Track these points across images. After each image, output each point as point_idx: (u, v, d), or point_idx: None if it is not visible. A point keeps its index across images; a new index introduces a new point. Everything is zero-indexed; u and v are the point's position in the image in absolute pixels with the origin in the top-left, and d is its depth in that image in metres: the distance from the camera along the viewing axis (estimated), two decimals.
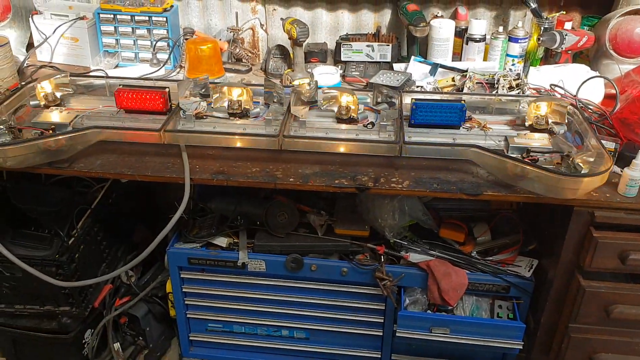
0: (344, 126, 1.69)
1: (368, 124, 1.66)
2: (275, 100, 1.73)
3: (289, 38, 2.05)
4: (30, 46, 2.33)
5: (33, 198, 1.98)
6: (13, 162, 1.54)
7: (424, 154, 1.57)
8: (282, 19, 2.15)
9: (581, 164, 1.43)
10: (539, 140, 1.58)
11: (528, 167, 1.42)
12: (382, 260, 1.83)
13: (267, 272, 1.89)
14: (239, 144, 1.61)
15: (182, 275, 1.95)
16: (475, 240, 1.90)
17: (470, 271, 1.82)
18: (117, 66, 2.23)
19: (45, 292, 1.86)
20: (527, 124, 1.67)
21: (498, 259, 1.86)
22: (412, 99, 1.65)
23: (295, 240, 1.89)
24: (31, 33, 2.28)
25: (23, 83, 1.88)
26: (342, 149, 1.58)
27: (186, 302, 2.02)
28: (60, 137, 1.55)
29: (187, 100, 1.70)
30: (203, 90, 1.77)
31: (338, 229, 1.89)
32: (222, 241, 1.93)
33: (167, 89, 1.69)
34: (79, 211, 1.99)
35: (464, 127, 1.66)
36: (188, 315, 2.05)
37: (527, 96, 1.81)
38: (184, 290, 1.98)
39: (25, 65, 2.16)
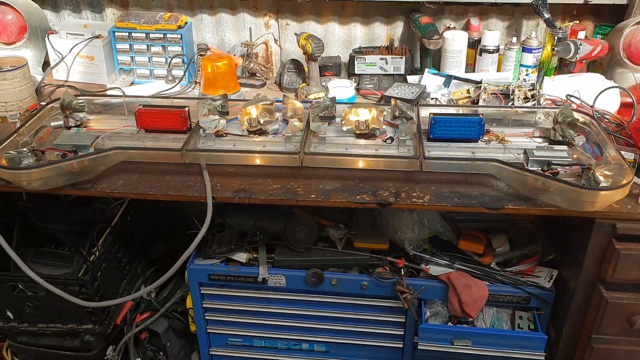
0: (362, 141, 1.70)
1: (387, 138, 1.67)
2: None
3: (304, 53, 2.06)
4: (46, 65, 2.35)
5: (54, 217, 2.01)
6: (37, 184, 1.56)
7: (444, 169, 1.57)
8: (296, 34, 2.17)
9: (602, 177, 1.44)
10: (558, 153, 1.58)
11: (550, 180, 1.43)
12: (402, 273, 1.84)
13: (287, 286, 1.90)
14: (260, 162, 1.62)
15: (202, 291, 1.96)
16: (494, 252, 1.90)
17: (491, 283, 1.82)
18: (132, 83, 2.25)
19: (68, 310, 1.88)
20: (551, 137, 1.67)
21: (517, 270, 1.86)
22: (430, 113, 1.66)
23: (314, 254, 1.90)
24: (47, 52, 2.31)
25: (43, 103, 1.90)
26: (362, 165, 1.58)
27: (206, 318, 2.02)
28: (83, 158, 1.56)
29: (206, 118, 1.72)
30: (221, 107, 1.79)
31: (357, 242, 1.89)
32: (241, 257, 1.94)
33: (186, 108, 1.71)
34: (99, 229, 2.00)
35: (482, 141, 1.67)
36: (208, 330, 2.06)
37: (544, 107, 1.81)
38: (204, 305, 1.99)
39: (42, 84, 2.18)
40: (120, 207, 2.12)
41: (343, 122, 1.72)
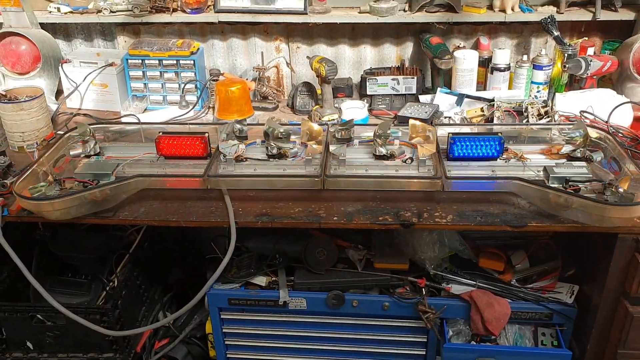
0: (382, 162, 1.71)
1: (407, 159, 1.68)
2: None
3: (317, 76, 2.09)
4: (58, 93, 2.37)
5: (71, 246, 2.00)
6: (59, 214, 1.56)
7: (466, 188, 1.58)
8: (308, 57, 2.19)
9: (624, 191, 1.45)
10: (577, 169, 1.59)
11: (574, 197, 1.44)
12: (424, 292, 1.83)
13: (307, 309, 1.89)
14: (282, 186, 1.62)
15: (222, 316, 1.95)
16: (514, 269, 1.90)
17: (512, 300, 1.82)
18: (145, 110, 2.27)
19: (89, 339, 1.87)
20: (568, 154, 1.68)
21: (538, 287, 1.86)
22: (449, 133, 1.67)
23: (335, 276, 1.89)
24: (60, 81, 2.33)
25: (61, 132, 1.91)
26: (385, 186, 1.59)
27: (226, 343, 2.01)
28: (105, 187, 1.57)
29: (226, 143, 1.73)
30: (240, 132, 1.80)
31: (377, 263, 1.89)
32: (261, 280, 1.94)
33: (206, 134, 1.72)
34: (117, 256, 2.00)
35: (501, 159, 1.68)
36: (228, 356, 2.04)
37: (561, 124, 1.82)
38: (224, 330, 1.98)
39: (57, 113, 2.19)
40: (137, 233, 2.13)
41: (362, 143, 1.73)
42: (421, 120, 1.92)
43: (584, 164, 1.63)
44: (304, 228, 1.94)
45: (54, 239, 1.98)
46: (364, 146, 1.78)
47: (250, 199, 1.65)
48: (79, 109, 2.27)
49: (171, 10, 2.26)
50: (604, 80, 2.19)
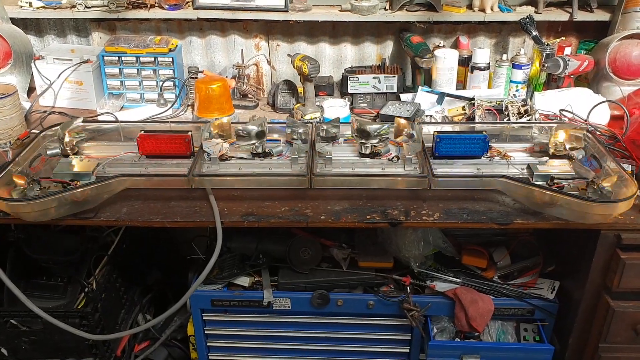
0: (367, 160, 1.71)
1: (393, 157, 1.68)
2: (297, 137, 1.73)
3: (299, 74, 2.07)
4: (31, 91, 2.29)
5: (47, 247, 1.94)
6: (38, 215, 1.51)
7: (452, 186, 1.59)
8: (289, 55, 2.18)
9: (609, 189, 1.48)
10: (560, 167, 1.62)
11: (560, 195, 1.46)
12: (408, 291, 1.84)
13: (292, 309, 1.88)
14: (268, 185, 1.60)
15: (204, 318, 1.92)
16: (495, 265, 1.92)
17: (495, 297, 1.84)
18: (122, 108, 2.21)
19: (67, 344, 1.81)
20: (550, 151, 1.70)
21: (520, 283, 1.89)
22: (434, 131, 1.68)
23: (319, 275, 1.88)
24: (32, 78, 2.25)
25: (35, 131, 1.85)
26: (372, 185, 1.59)
27: (208, 344, 1.98)
28: (86, 188, 1.52)
29: (209, 142, 1.70)
30: (222, 131, 1.77)
31: (362, 261, 1.89)
32: (244, 281, 1.91)
33: (189, 133, 1.68)
34: (94, 258, 1.95)
35: (485, 157, 1.70)
36: (210, 358, 2.01)
37: (542, 122, 1.85)
38: (206, 332, 1.95)
39: (30, 111, 2.12)
40: (113, 234, 2.07)
41: (347, 141, 1.72)
42: (404, 119, 1.93)
43: (566, 161, 1.66)
44: (288, 227, 1.97)
45: (28, 241, 1.92)
46: (349, 144, 1.77)
47: (235, 198, 1.63)
48: (53, 107, 2.20)
49: (149, 6, 2.21)
50: (580, 80, 2.23)
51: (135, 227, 2.11)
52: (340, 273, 1.88)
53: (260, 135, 1.67)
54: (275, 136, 1.79)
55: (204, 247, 2.05)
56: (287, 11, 2.20)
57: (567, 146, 1.71)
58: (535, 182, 1.57)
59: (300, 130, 1.75)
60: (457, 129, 1.85)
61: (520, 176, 1.62)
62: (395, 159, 1.68)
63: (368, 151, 1.70)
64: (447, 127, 1.84)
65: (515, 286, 1.87)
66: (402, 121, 1.74)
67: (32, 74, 2.23)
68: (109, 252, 1.95)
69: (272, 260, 1.93)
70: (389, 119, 2.00)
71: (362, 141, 1.69)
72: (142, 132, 1.70)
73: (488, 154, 1.70)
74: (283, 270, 1.91)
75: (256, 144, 1.69)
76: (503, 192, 1.58)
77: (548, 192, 1.48)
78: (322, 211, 1.57)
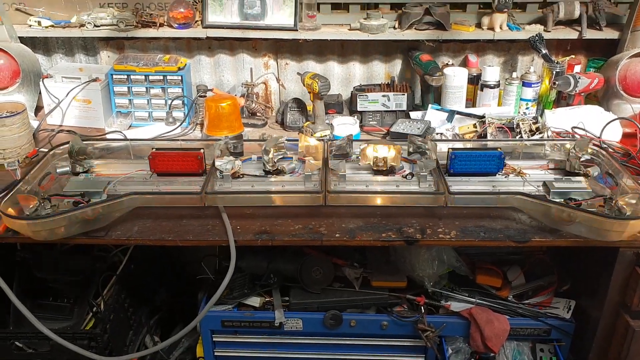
0: (380, 178, 1.69)
1: (407, 174, 1.67)
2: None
3: (309, 92, 2.06)
4: (38, 110, 2.28)
5: (54, 267, 1.92)
6: (48, 234, 1.48)
7: (468, 203, 1.57)
8: (299, 73, 2.17)
9: (625, 206, 1.46)
10: (577, 184, 1.60)
11: (577, 212, 1.44)
12: (423, 311, 1.81)
13: (304, 330, 1.84)
14: (282, 202, 1.58)
15: (214, 339, 1.88)
16: (510, 285, 1.89)
17: (511, 316, 1.81)
18: (130, 126, 2.20)
19: None
20: (566, 169, 1.69)
21: (534, 302, 1.86)
22: (449, 148, 1.66)
23: (332, 295, 1.85)
24: (39, 97, 2.24)
25: (44, 150, 1.83)
26: (387, 202, 1.57)
27: None
28: (97, 206, 1.50)
29: (221, 159, 1.68)
30: (234, 148, 1.76)
31: (375, 281, 1.86)
32: (254, 301, 1.88)
33: (202, 150, 1.67)
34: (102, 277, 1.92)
35: (500, 174, 1.68)
36: None
37: (556, 140, 1.84)
38: (216, 354, 1.91)
39: (38, 130, 2.10)
40: (121, 254, 2.05)
41: (360, 158, 1.71)
42: (419, 136, 1.92)
43: (582, 179, 1.64)
44: (299, 246, 1.94)
45: (36, 261, 1.89)
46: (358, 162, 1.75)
47: (247, 216, 1.61)
48: (60, 125, 2.19)
49: (158, 25, 2.21)
50: (589, 98, 2.23)
51: (143, 247, 2.11)
52: (353, 293, 1.85)
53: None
54: (288, 154, 1.76)
55: (213, 267, 2.03)
56: (296, 30, 2.20)
57: (583, 163, 1.69)
58: (554, 200, 1.54)
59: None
60: (470, 146, 1.83)
61: (537, 193, 1.60)
62: (410, 176, 1.66)
63: (382, 168, 1.68)
64: (459, 145, 1.83)
65: (531, 305, 1.84)
66: (414, 138, 1.72)
67: (40, 93, 2.22)
68: (117, 272, 1.92)
69: (283, 280, 1.90)
70: (400, 136, 1.99)
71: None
72: (154, 149, 1.68)
73: (503, 171, 1.69)
74: (294, 290, 1.88)
75: (268, 162, 1.67)
76: (519, 209, 1.56)
77: (566, 209, 1.46)
78: (337, 229, 1.55)
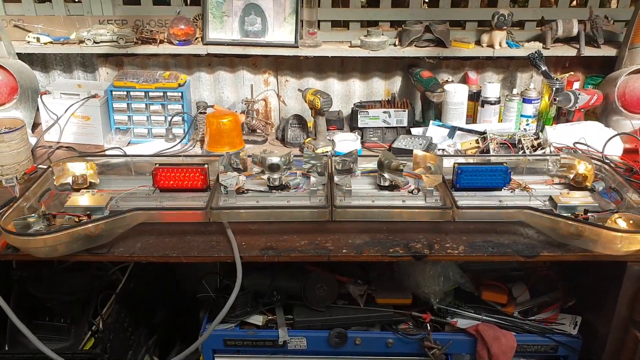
0: (386, 192, 1.68)
1: (413, 189, 1.66)
2: (315, 170, 1.71)
3: (311, 108, 2.06)
4: (35, 126, 2.26)
5: (52, 286, 1.87)
6: (49, 251, 1.45)
7: (476, 218, 1.56)
8: (299, 90, 2.17)
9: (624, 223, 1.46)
10: (582, 199, 1.60)
11: (585, 226, 1.43)
12: (429, 328, 1.78)
13: (308, 349, 1.81)
14: (288, 217, 1.56)
15: (216, 359, 1.84)
16: (515, 301, 1.88)
17: (517, 333, 1.79)
18: (129, 143, 2.18)
19: None
20: (570, 183, 1.69)
21: (540, 319, 1.84)
22: (455, 163, 1.66)
23: (336, 313, 1.82)
24: (37, 113, 2.22)
25: (45, 167, 1.80)
26: (395, 217, 1.55)
27: None
28: (100, 222, 1.47)
29: (225, 175, 1.66)
30: (237, 164, 1.74)
31: (379, 298, 1.84)
32: (257, 319, 1.84)
33: (206, 165, 1.65)
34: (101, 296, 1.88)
35: (506, 189, 1.68)
36: None
37: (559, 155, 1.84)
38: None
39: (36, 146, 2.08)
40: (120, 272, 2.01)
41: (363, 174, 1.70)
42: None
43: (587, 193, 1.64)
44: (301, 263, 1.92)
45: (34, 280, 1.84)
46: (365, 177, 1.74)
47: (252, 232, 1.58)
48: (58, 142, 2.16)
49: (158, 41, 2.20)
50: (588, 114, 2.24)
51: (142, 265, 2.07)
52: (358, 310, 1.82)
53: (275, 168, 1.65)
54: (295, 169, 1.75)
55: (214, 285, 1.99)
56: (297, 47, 2.21)
57: (587, 178, 1.69)
58: (561, 214, 1.54)
59: (317, 163, 1.73)
60: (473, 161, 1.83)
61: (543, 208, 1.60)
62: (416, 191, 1.65)
63: (387, 183, 1.67)
64: (461, 160, 1.82)
65: (537, 322, 1.82)
66: (420, 153, 1.72)
67: (37, 110, 2.20)
68: (116, 291, 1.88)
69: (287, 297, 1.87)
70: (401, 152, 1.99)
71: (381, 173, 1.66)
72: (157, 165, 1.66)
73: (508, 187, 1.68)
74: (298, 308, 1.84)
75: (273, 177, 1.65)
76: (525, 224, 1.55)
77: (574, 223, 1.46)
78: (343, 245, 1.53)
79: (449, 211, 1.53)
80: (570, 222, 1.47)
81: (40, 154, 2.06)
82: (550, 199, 1.61)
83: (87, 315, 1.84)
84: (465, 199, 1.63)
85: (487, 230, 1.58)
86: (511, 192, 1.67)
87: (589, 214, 1.53)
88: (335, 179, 1.66)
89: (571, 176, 1.71)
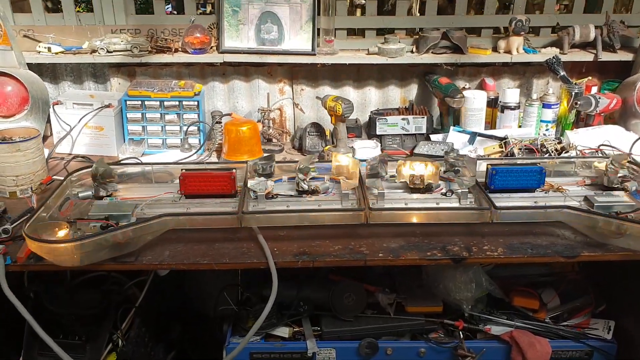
0: (417, 195, 1.64)
1: (447, 191, 1.62)
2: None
3: (331, 114, 2.03)
4: (44, 139, 2.19)
5: (67, 302, 1.80)
6: (76, 259, 1.38)
7: (514, 219, 1.52)
8: (318, 97, 2.15)
9: None
10: (618, 198, 1.58)
11: (629, 224, 1.40)
12: (461, 336, 1.74)
13: None
14: (323, 221, 1.51)
15: None
16: (546, 307, 1.84)
17: (551, 339, 1.75)
18: (143, 154, 2.12)
19: None
20: (603, 183, 1.67)
21: (573, 324, 1.81)
22: (488, 164, 1.63)
23: (365, 323, 1.77)
24: (48, 124, 2.16)
25: (60, 178, 1.74)
26: (432, 219, 1.51)
27: None
28: (128, 228, 1.41)
29: (253, 180, 1.62)
30: (264, 170, 1.70)
31: (410, 306, 1.79)
32: (283, 331, 1.79)
33: (234, 170, 1.60)
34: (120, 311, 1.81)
35: (539, 190, 1.65)
36: None
37: (593, 157, 1.83)
38: None
39: (49, 157, 2.01)
40: (136, 287, 1.94)
41: (396, 177, 1.66)
42: (440, 157, 1.89)
43: (622, 193, 1.62)
44: (325, 273, 1.87)
45: (47, 295, 1.77)
46: (392, 181, 1.71)
47: (282, 238, 1.53)
48: (69, 153, 2.10)
49: (173, 50, 2.17)
50: (605, 119, 2.24)
51: (158, 279, 2.01)
52: (388, 319, 1.78)
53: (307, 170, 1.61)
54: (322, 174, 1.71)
55: (235, 297, 1.94)
56: (314, 54, 2.18)
57: (620, 178, 1.67)
58: (603, 213, 1.51)
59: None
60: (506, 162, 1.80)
61: (581, 208, 1.57)
62: (449, 193, 1.62)
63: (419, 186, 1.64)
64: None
65: (570, 327, 1.79)
66: (449, 158, 1.69)
67: (47, 122, 2.14)
68: (136, 304, 1.80)
69: (313, 308, 1.82)
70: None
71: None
72: (184, 170, 1.61)
73: (541, 188, 1.66)
74: (326, 318, 1.79)
75: (303, 181, 1.61)
76: (561, 225, 1.52)
77: (615, 221, 1.43)
78: (379, 249, 1.49)
79: (487, 212, 1.49)
80: (611, 220, 1.44)
81: (52, 165, 1.99)
82: (586, 199, 1.59)
83: (105, 331, 1.76)
84: (500, 201, 1.59)
85: (524, 232, 1.55)
86: (545, 193, 1.64)
87: (626, 213, 1.51)
88: (366, 181, 1.62)
89: (606, 177, 1.68)
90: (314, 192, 1.64)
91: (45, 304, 1.74)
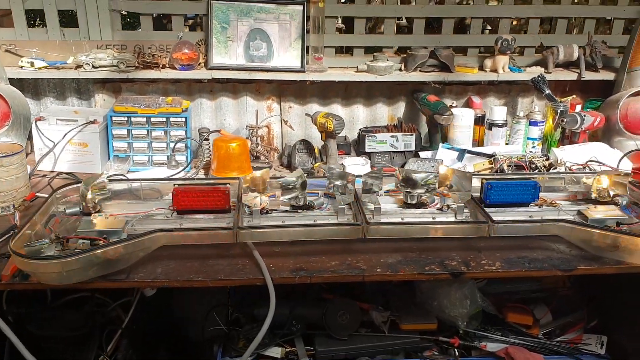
0: (413, 210, 1.63)
1: (443, 206, 1.62)
2: (337, 190, 1.65)
3: (322, 131, 2.02)
4: (26, 155, 2.12)
5: (51, 323, 1.72)
6: (63, 277, 1.32)
7: (511, 232, 1.52)
8: (307, 114, 2.14)
9: None
10: (611, 212, 1.60)
11: (625, 236, 1.42)
12: (456, 353, 1.72)
13: None
14: (320, 236, 1.49)
15: None
16: (539, 323, 1.84)
17: (546, 354, 1.74)
18: (128, 171, 2.07)
19: None
20: (593, 196, 1.69)
21: (566, 339, 1.81)
22: (482, 179, 1.64)
23: (359, 341, 1.74)
24: (29, 141, 2.10)
25: (44, 195, 1.68)
26: (433, 234, 1.50)
27: None
28: (120, 244, 1.36)
29: (247, 196, 1.59)
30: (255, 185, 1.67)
31: (404, 324, 1.77)
32: (275, 351, 1.75)
33: (228, 186, 1.57)
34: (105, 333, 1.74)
35: (533, 205, 1.66)
36: None
37: (584, 172, 1.85)
38: None
39: (32, 174, 1.95)
40: (121, 308, 1.87)
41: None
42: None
43: (614, 207, 1.64)
44: (317, 291, 1.84)
45: (30, 318, 1.69)
46: (389, 196, 1.70)
47: (278, 254, 1.50)
48: (52, 171, 2.03)
49: (160, 66, 2.14)
50: (589, 137, 2.28)
51: (143, 301, 1.95)
52: (382, 337, 1.75)
53: (304, 185, 1.58)
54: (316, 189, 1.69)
55: (225, 318, 1.89)
56: (303, 71, 2.18)
57: (612, 193, 1.69)
58: (599, 226, 1.52)
59: (339, 183, 1.67)
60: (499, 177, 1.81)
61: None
62: (446, 207, 1.61)
63: (414, 201, 1.63)
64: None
65: (563, 343, 1.79)
66: (445, 171, 1.69)
67: (29, 137, 2.08)
68: (122, 326, 1.74)
69: (305, 327, 1.78)
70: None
71: (408, 190, 1.62)
72: (176, 185, 1.57)
73: (535, 203, 1.66)
74: (319, 337, 1.76)
75: (298, 196, 1.59)
76: (556, 239, 1.53)
77: (611, 234, 1.44)
78: (376, 264, 1.47)
79: (485, 226, 1.49)
80: (607, 233, 1.45)
81: (35, 182, 1.93)
82: (579, 213, 1.60)
83: (91, 353, 1.69)
84: (496, 215, 1.59)
85: (520, 246, 1.55)
86: (539, 207, 1.65)
87: (621, 226, 1.52)
88: (362, 196, 1.61)
89: (595, 192, 1.69)
90: (309, 207, 1.61)
91: (26, 327, 1.66)
